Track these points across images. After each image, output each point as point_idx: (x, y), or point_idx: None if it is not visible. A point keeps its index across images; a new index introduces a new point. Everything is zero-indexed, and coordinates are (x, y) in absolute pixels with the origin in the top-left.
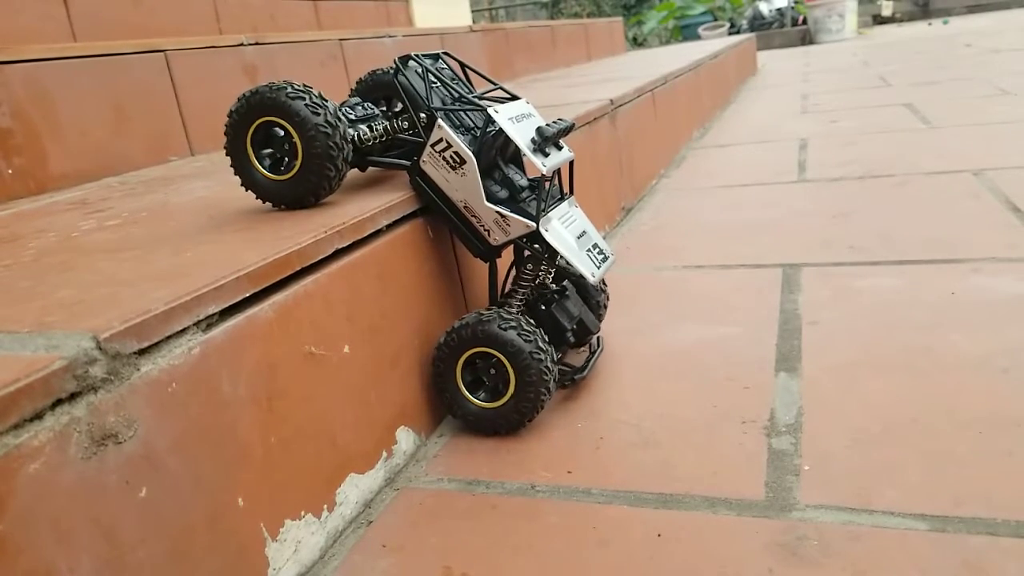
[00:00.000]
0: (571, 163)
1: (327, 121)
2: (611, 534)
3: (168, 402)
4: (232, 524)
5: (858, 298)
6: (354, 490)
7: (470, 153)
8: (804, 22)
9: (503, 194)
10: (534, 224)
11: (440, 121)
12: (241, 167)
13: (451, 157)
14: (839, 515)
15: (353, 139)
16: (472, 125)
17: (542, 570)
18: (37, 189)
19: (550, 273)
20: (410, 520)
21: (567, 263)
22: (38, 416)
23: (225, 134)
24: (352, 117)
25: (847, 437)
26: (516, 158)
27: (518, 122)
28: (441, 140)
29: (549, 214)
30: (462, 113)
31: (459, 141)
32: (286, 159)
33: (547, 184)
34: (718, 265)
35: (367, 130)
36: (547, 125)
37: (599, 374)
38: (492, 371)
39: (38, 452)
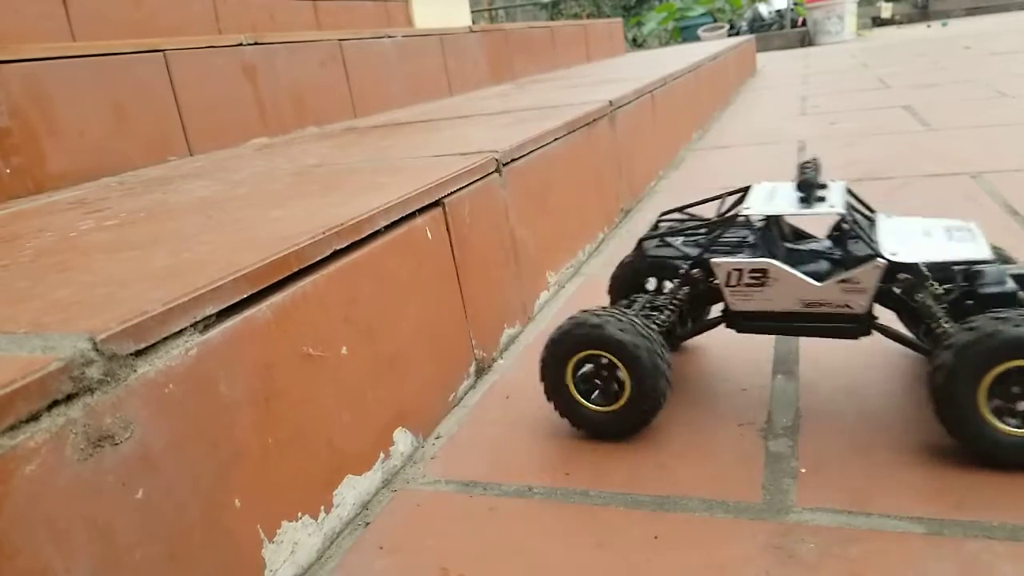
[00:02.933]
0: (847, 187)
1: (654, 349)
2: (608, 536)
3: (165, 403)
4: (229, 525)
5: None
6: (351, 491)
7: (764, 259)
8: (803, 24)
9: (824, 266)
10: (883, 259)
11: (713, 260)
12: (562, 400)
13: (750, 278)
14: (836, 518)
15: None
16: (736, 241)
17: (539, 572)
18: (35, 188)
19: (941, 291)
20: (407, 522)
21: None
22: (34, 417)
23: (543, 364)
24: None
25: (844, 440)
26: (801, 233)
27: (771, 199)
28: (728, 274)
29: (881, 240)
30: (717, 242)
31: (744, 259)
32: (612, 387)
33: (849, 221)
34: None
35: (665, 319)
36: (803, 175)
37: None
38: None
39: (34, 453)
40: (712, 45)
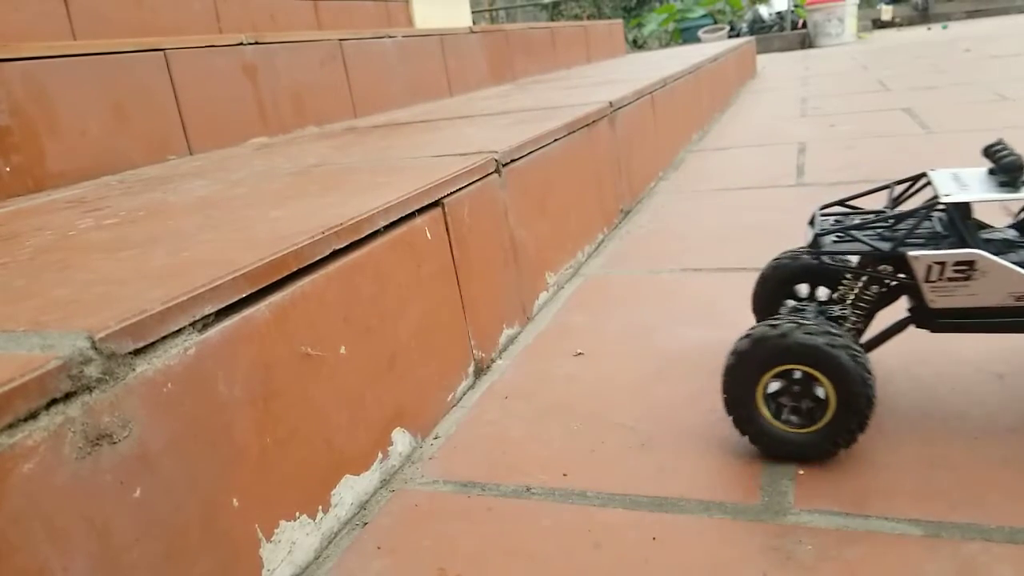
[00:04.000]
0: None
1: (859, 359)
2: (606, 537)
3: (163, 402)
4: (226, 525)
5: None
6: (349, 491)
7: (971, 250)
8: (804, 26)
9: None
10: None
11: (911, 253)
12: (748, 418)
13: (954, 271)
14: (834, 519)
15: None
16: (928, 234)
17: (536, 573)
18: (35, 187)
19: None
20: (405, 522)
21: None
22: (32, 416)
23: (727, 376)
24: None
25: None
26: (979, 223)
27: (962, 186)
28: (928, 267)
29: None
30: (912, 234)
31: (947, 251)
32: (809, 405)
33: None
34: (716, 268)
35: (852, 324)
36: (1006, 157)
37: (596, 377)
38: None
39: (32, 452)
40: (712, 47)
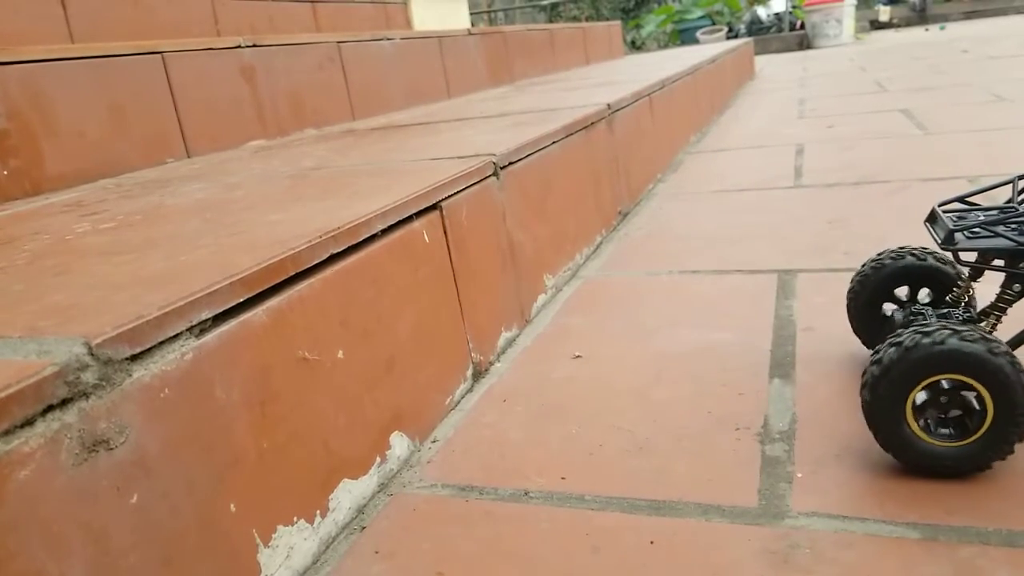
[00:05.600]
0: None
1: (1018, 366)
2: (604, 541)
3: (160, 408)
4: (224, 530)
5: None
6: (347, 495)
7: None
8: (802, 27)
9: None
10: None
11: None
12: (893, 433)
13: None
14: (832, 523)
15: None
16: None
17: None
18: (33, 190)
19: None
20: (403, 526)
21: None
22: (29, 422)
23: (870, 389)
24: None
25: (840, 444)
26: None
27: None
28: None
29: None
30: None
31: None
32: (961, 415)
33: None
34: (713, 270)
35: (992, 326)
36: None
37: (595, 380)
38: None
39: (29, 458)
40: (710, 48)
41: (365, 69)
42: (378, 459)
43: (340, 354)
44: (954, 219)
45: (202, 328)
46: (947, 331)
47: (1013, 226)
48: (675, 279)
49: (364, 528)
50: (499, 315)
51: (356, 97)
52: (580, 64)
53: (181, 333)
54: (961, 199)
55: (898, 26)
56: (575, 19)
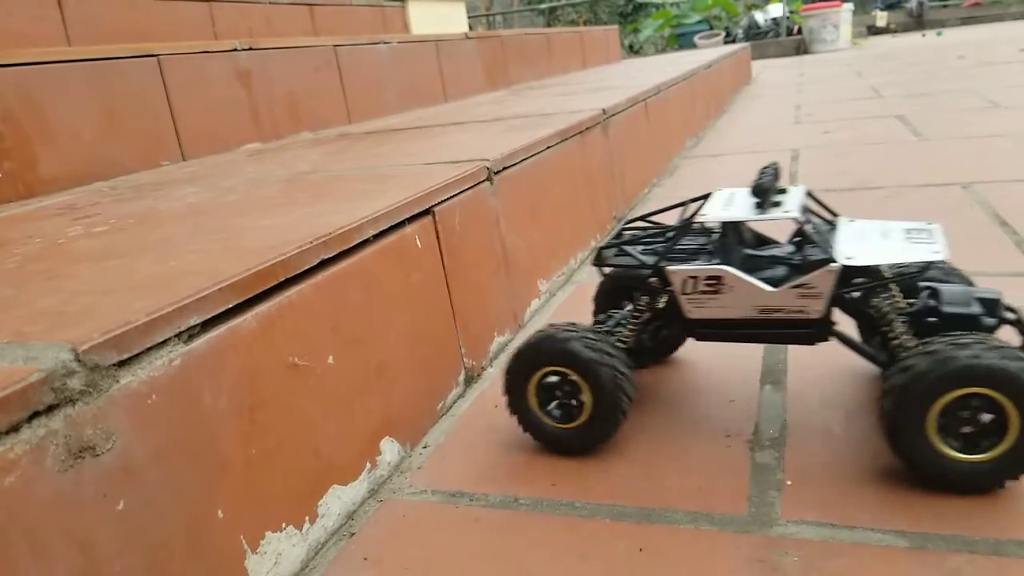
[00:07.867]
0: (808, 192)
1: (614, 366)
2: (593, 548)
3: (147, 414)
4: (211, 537)
5: None
6: (336, 502)
7: (718, 265)
8: (799, 32)
9: (780, 272)
10: (836, 262)
11: (669, 267)
12: (526, 418)
13: (706, 285)
14: (821, 531)
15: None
16: (694, 248)
17: None
18: (26, 193)
19: (904, 304)
20: (392, 532)
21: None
22: (14, 429)
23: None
24: (606, 329)
25: (830, 452)
26: (765, 239)
27: (729, 205)
28: (684, 281)
29: (839, 244)
30: (674, 249)
31: (698, 266)
32: (570, 403)
33: (808, 225)
34: None
35: (628, 333)
36: (759, 180)
37: None
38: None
39: (14, 465)
40: (708, 53)
41: (361, 73)
42: (368, 465)
43: (330, 360)
44: (612, 239)
45: (191, 334)
46: (559, 332)
47: (648, 246)
48: None
49: (353, 534)
50: (492, 320)
51: (352, 100)
52: (577, 68)
53: (169, 339)
54: (644, 218)
55: (895, 31)
56: (573, 23)
